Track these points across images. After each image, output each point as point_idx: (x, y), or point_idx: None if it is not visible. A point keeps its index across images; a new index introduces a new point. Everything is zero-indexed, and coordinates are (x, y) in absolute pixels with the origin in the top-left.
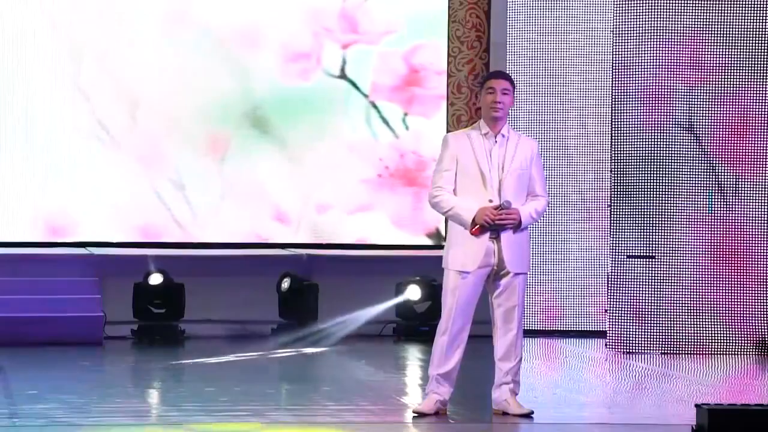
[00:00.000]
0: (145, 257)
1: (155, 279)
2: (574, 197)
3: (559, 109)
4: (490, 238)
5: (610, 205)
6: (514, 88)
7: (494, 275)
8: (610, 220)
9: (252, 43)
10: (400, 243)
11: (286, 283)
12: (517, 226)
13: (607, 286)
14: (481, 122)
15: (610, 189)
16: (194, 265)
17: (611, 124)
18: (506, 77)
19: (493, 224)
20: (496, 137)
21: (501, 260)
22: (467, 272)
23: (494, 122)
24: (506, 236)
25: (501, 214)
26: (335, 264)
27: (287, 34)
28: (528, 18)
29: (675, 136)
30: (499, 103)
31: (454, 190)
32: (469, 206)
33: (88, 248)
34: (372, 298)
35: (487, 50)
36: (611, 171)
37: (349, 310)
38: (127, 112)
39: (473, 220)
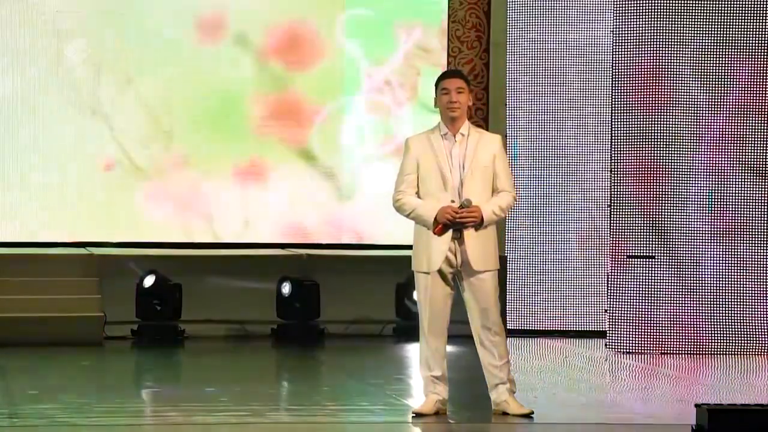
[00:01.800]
0: (145, 258)
1: (149, 281)
2: (574, 197)
3: (558, 110)
4: (453, 238)
5: (610, 205)
6: (468, 85)
7: (462, 276)
8: (610, 220)
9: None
10: (400, 243)
11: (286, 288)
12: (480, 224)
13: (607, 286)
14: (441, 123)
15: (610, 189)
16: (194, 265)
17: (611, 124)
18: (459, 75)
19: (454, 222)
20: (455, 137)
21: (466, 260)
22: (430, 272)
23: (452, 122)
24: (469, 235)
25: (462, 212)
26: (335, 264)
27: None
28: (528, 18)
29: (675, 136)
30: (455, 102)
31: (418, 193)
32: (430, 206)
33: (88, 248)
34: (372, 298)
35: (487, 50)
36: (611, 171)
37: (350, 309)
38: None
39: (435, 219)
